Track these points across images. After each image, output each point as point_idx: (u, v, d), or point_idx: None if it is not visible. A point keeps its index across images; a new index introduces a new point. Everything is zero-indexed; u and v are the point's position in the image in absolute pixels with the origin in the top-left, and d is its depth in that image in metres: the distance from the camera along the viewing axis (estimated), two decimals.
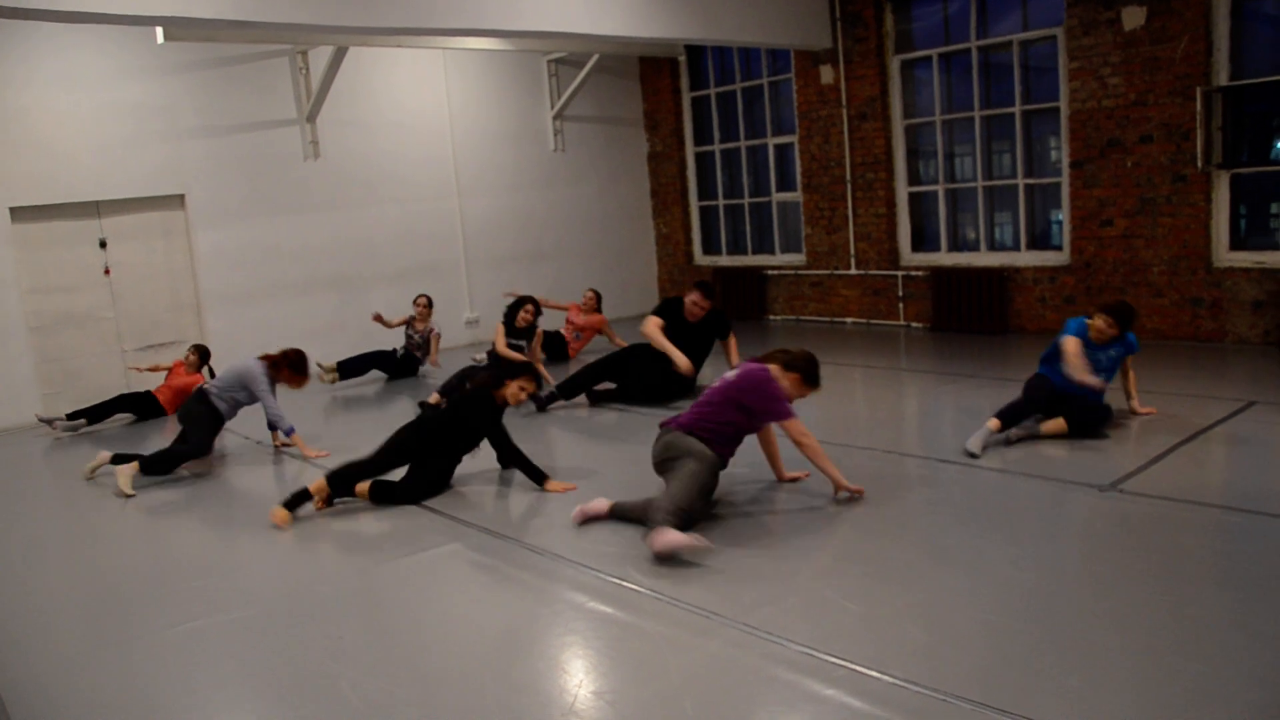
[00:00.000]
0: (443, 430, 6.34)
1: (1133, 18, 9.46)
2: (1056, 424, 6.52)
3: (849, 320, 12.58)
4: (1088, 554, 4.80)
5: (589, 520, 5.51)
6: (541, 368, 9.17)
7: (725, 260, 14.34)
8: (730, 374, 5.66)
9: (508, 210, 13.48)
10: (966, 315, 11.19)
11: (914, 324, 11.88)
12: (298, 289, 11.73)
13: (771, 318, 13.37)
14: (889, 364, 9.98)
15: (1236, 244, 9.41)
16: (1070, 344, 6.57)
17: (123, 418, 9.63)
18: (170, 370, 9.76)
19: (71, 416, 9.38)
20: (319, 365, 10.05)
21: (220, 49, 10.84)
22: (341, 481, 6.12)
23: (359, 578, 5.17)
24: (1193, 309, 9.53)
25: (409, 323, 11.02)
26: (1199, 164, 9.20)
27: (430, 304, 11.02)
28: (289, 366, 7.86)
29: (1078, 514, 5.32)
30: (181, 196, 10.89)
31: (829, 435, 6.94)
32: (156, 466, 7.22)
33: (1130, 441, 6.42)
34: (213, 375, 9.29)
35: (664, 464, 5.48)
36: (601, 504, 5.52)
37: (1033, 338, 10.46)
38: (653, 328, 8.40)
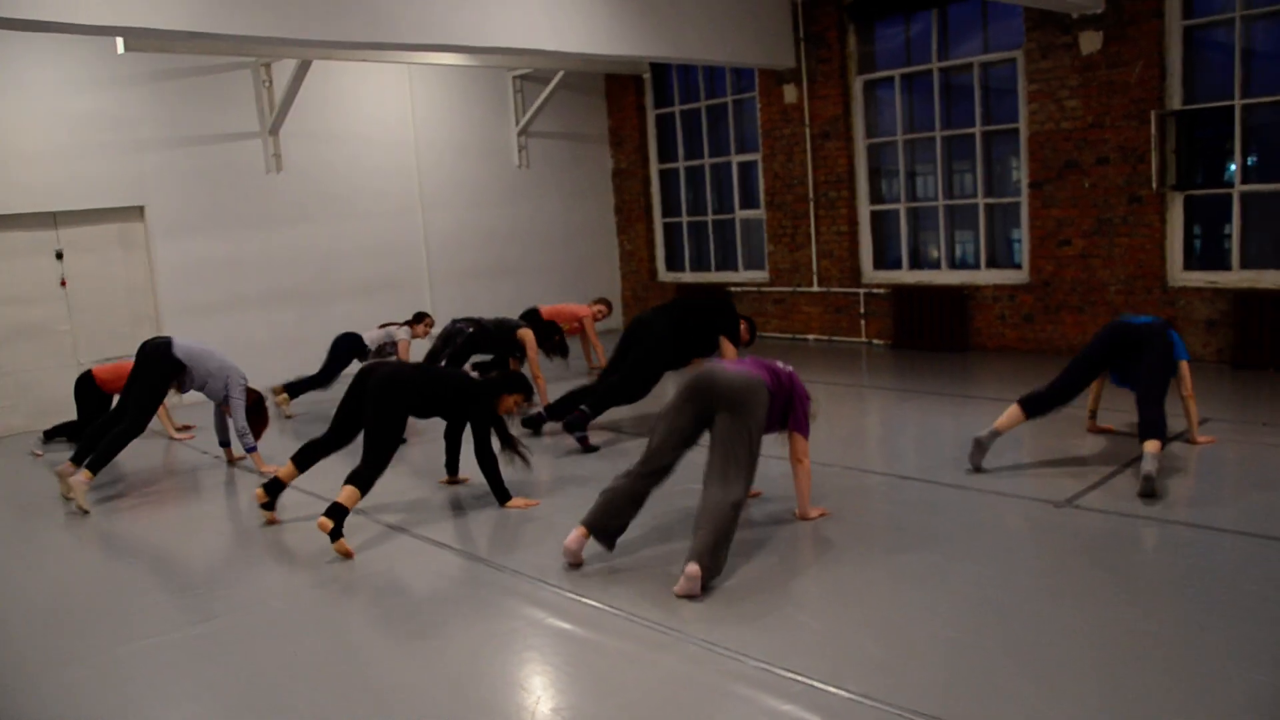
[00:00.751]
0: (436, 392, 6.13)
1: (1090, 42, 9.62)
2: (1013, 415, 6.38)
3: (811, 337, 12.65)
4: (1044, 569, 4.85)
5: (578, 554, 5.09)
6: (542, 382, 9.07)
7: (688, 277, 14.39)
8: (782, 365, 5.43)
9: (471, 225, 13.45)
10: (927, 333, 11.29)
11: (875, 341, 11.97)
12: (259, 303, 11.62)
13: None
14: (850, 381, 10.04)
15: (1190, 264, 9.58)
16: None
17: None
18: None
19: (49, 436, 9.14)
20: (273, 392, 9.61)
21: (182, 60, 10.76)
22: (307, 461, 6.13)
23: (315, 593, 5.12)
24: None
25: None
26: (1154, 186, 9.35)
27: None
28: (255, 407, 7.83)
29: (1034, 530, 5.37)
30: (141, 208, 10.78)
31: None
32: (104, 461, 7.05)
33: (1084, 458, 6.49)
34: None
35: (737, 421, 4.92)
36: (580, 541, 5.06)
37: (993, 355, 10.57)
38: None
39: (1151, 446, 5.80)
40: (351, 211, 12.28)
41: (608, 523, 5.07)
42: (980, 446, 6.31)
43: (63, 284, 10.42)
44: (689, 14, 10.61)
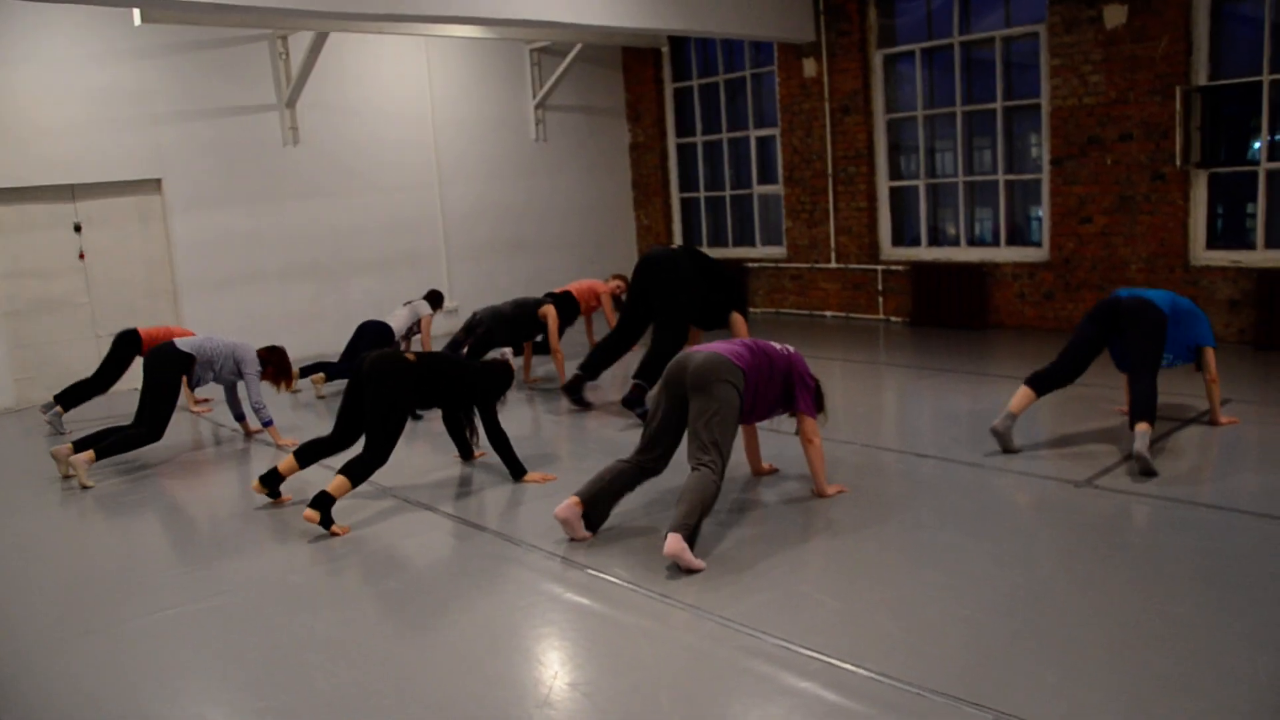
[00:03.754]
0: (433, 382, 6.12)
1: (1114, 16, 9.49)
2: (1024, 396, 6.29)
3: (828, 314, 12.60)
4: (1065, 549, 4.82)
5: (577, 529, 5.15)
6: (560, 357, 9.13)
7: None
8: (779, 346, 5.47)
9: (488, 199, 13.42)
10: (945, 310, 11.22)
11: (893, 318, 11.91)
12: (276, 276, 11.64)
13: (751, 310, 13.33)
14: (868, 358, 9.99)
15: (1213, 243, 9.47)
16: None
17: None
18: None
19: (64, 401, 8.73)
20: (312, 381, 9.65)
21: (198, 32, 10.72)
22: (309, 457, 6.07)
23: (332, 567, 5.14)
24: None
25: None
26: (1177, 163, 9.25)
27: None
28: (277, 365, 7.93)
29: (1054, 509, 5.34)
30: (158, 181, 10.78)
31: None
32: (112, 452, 7.09)
33: (1105, 437, 6.45)
34: None
35: (704, 401, 4.99)
36: (574, 510, 5.12)
37: (1012, 333, 10.51)
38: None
39: (1141, 427, 5.72)
40: (368, 185, 12.26)
41: (592, 507, 5.16)
42: (1001, 435, 6.23)
43: (81, 257, 10.44)
44: None
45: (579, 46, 13.23)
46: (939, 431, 7.25)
